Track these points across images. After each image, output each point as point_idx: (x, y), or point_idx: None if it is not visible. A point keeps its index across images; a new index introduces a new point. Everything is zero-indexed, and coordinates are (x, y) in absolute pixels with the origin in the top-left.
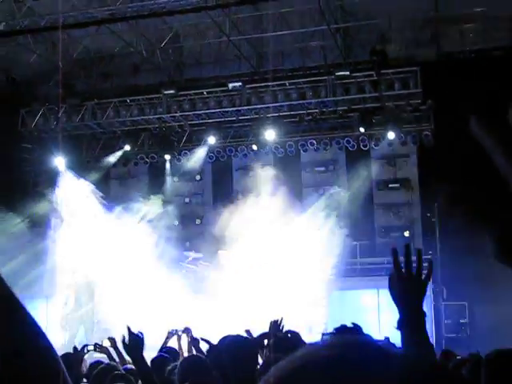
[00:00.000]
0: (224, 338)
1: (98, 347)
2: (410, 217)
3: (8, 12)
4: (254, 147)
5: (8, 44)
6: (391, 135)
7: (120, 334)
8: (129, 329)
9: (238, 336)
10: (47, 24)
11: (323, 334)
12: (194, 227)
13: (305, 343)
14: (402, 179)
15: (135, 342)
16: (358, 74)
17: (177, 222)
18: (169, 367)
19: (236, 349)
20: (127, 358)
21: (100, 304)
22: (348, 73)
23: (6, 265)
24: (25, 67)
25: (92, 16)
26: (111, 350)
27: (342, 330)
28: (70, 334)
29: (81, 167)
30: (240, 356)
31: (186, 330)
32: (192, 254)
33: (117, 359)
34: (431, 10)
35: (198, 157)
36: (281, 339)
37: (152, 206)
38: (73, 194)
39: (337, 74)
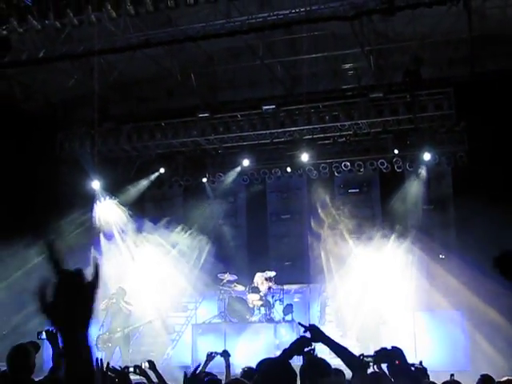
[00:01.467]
0: (262, 361)
1: (138, 369)
2: (445, 239)
3: (47, 39)
4: (288, 169)
5: (47, 69)
6: (426, 156)
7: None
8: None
9: (277, 359)
10: (84, 50)
11: (363, 356)
12: (228, 249)
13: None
14: (436, 200)
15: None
16: (391, 96)
17: (211, 245)
18: None
19: (274, 373)
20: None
21: (136, 328)
22: (381, 95)
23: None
24: (63, 92)
25: (128, 41)
26: (149, 372)
27: (381, 352)
28: (105, 356)
29: (116, 190)
30: (278, 380)
31: (225, 353)
32: (226, 276)
33: (155, 380)
34: (465, 30)
35: (232, 179)
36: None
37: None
38: (110, 217)
39: (370, 95)
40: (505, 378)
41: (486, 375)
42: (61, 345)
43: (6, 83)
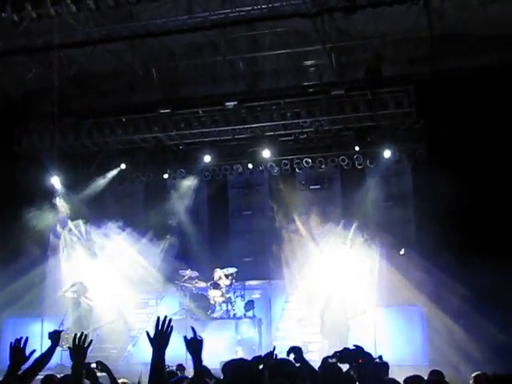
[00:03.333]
0: (227, 364)
1: (100, 365)
2: (404, 235)
3: (5, 31)
4: (250, 166)
5: (5, 62)
6: (386, 153)
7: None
8: (193, 329)
9: (241, 360)
10: (43, 43)
11: (324, 358)
12: (189, 245)
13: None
14: (397, 197)
15: (196, 343)
16: (352, 93)
17: (172, 241)
18: None
19: (240, 375)
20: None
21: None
22: (343, 92)
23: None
24: (21, 86)
25: (88, 35)
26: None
27: (344, 352)
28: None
29: (76, 186)
30: (244, 382)
31: (180, 366)
32: (188, 273)
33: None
34: (425, 28)
35: (193, 175)
36: (275, 365)
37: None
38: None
39: (332, 92)
40: (477, 373)
41: (435, 370)
42: None
43: None
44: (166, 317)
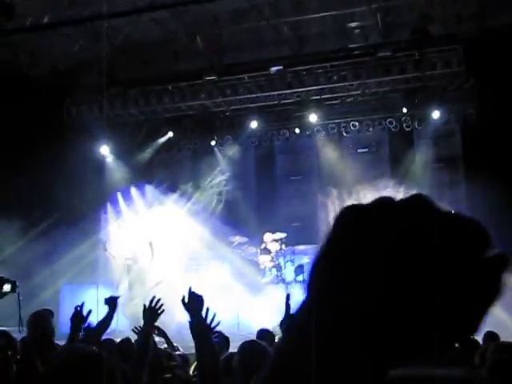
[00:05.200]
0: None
1: (157, 330)
2: (454, 198)
3: (52, 4)
4: (297, 130)
5: (52, 35)
6: (435, 115)
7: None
8: (190, 289)
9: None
10: (89, 14)
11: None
12: (238, 211)
13: None
14: (446, 159)
15: (196, 301)
16: (399, 54)
17: (221, 207)
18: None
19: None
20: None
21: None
22: (389, 53)
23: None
24: (69, 57)
25: (133, 4)
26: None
27: None
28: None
29: (125, 154)
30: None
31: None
32: (237, 239)
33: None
34: None
35: (240, 142)
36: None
37: (197, 193)
38: (119, 181)
39: (378, 54)
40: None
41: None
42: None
43: (11, 50)
44: (190, 288)
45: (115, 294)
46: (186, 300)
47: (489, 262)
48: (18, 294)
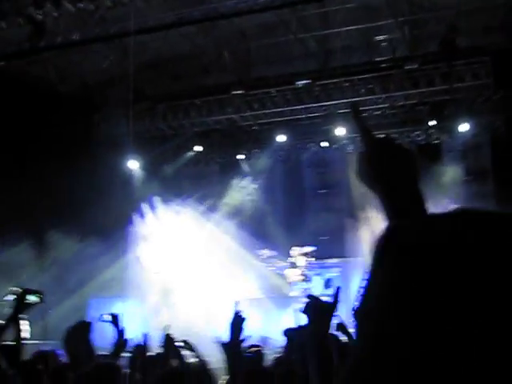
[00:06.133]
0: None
1: (186, 344)
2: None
3: (81, 21)
4: (324, 144)
5: (82, 51)
6: (463, 127)
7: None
8: (236, 307)
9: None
10: (118, 30)
11: None
12: (266, 225)
13: None
14: (475, 171)
15: (238, 319)
16: (426, 67)
17: (249, 220)
18: None
19: None
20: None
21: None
22: (417, 66)
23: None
24: (98, 73)
25: (161, 20)
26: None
27: None
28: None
29: (153, 169)
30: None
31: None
32: (265, 252)
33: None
34: None
35: (267, 155)
36: None
37: (225, 205)
38: (147, 195)
39: (405, 67)
40: None
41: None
42: None
43: (41, 67)
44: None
45: (115, 312)
46: (232, 319)
47: None
48: (44, 303)
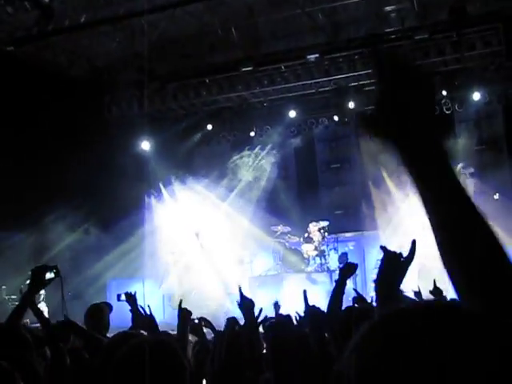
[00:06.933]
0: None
1: (204, 321)
2: (499, 180)
3: (88, 3)
4: (336, 118)
5: (90, 34)
6: (476, 96)
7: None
8: (240, 290)
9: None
10: (125, 11)
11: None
12: (280, 201)
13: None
14: (488, 141)
15: (248, 303)
16: (437, 36)
17: (262, 197)
18: None
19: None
20: None
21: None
22: (427, 35)
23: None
24: (107, 55)
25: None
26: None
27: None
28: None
29: (166, 149)
30: None
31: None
32: (280, 228)
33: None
34: None
35: (279, 131)
36: None
37: (238, 183)
38: (161, 176)
39: (415, 37)
40: None
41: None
42: None
43: (51, 51)
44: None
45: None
46: (239, 301)
47: None
48: (61, 278)
